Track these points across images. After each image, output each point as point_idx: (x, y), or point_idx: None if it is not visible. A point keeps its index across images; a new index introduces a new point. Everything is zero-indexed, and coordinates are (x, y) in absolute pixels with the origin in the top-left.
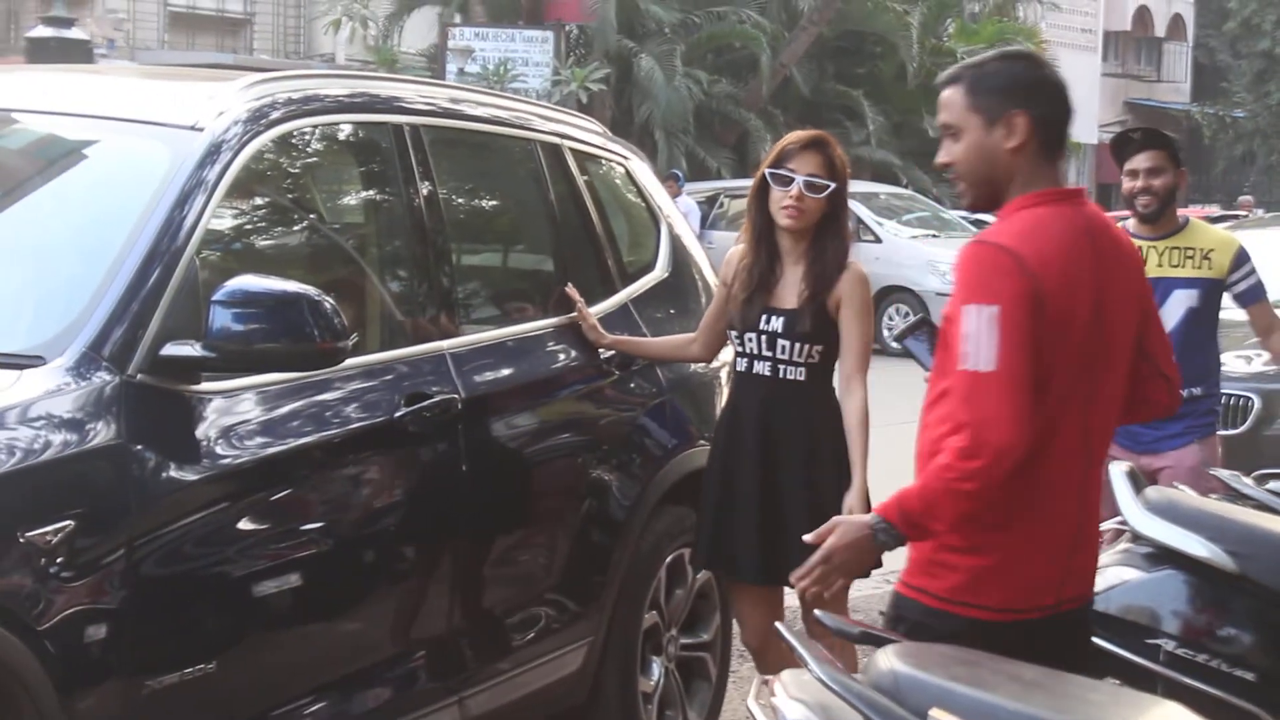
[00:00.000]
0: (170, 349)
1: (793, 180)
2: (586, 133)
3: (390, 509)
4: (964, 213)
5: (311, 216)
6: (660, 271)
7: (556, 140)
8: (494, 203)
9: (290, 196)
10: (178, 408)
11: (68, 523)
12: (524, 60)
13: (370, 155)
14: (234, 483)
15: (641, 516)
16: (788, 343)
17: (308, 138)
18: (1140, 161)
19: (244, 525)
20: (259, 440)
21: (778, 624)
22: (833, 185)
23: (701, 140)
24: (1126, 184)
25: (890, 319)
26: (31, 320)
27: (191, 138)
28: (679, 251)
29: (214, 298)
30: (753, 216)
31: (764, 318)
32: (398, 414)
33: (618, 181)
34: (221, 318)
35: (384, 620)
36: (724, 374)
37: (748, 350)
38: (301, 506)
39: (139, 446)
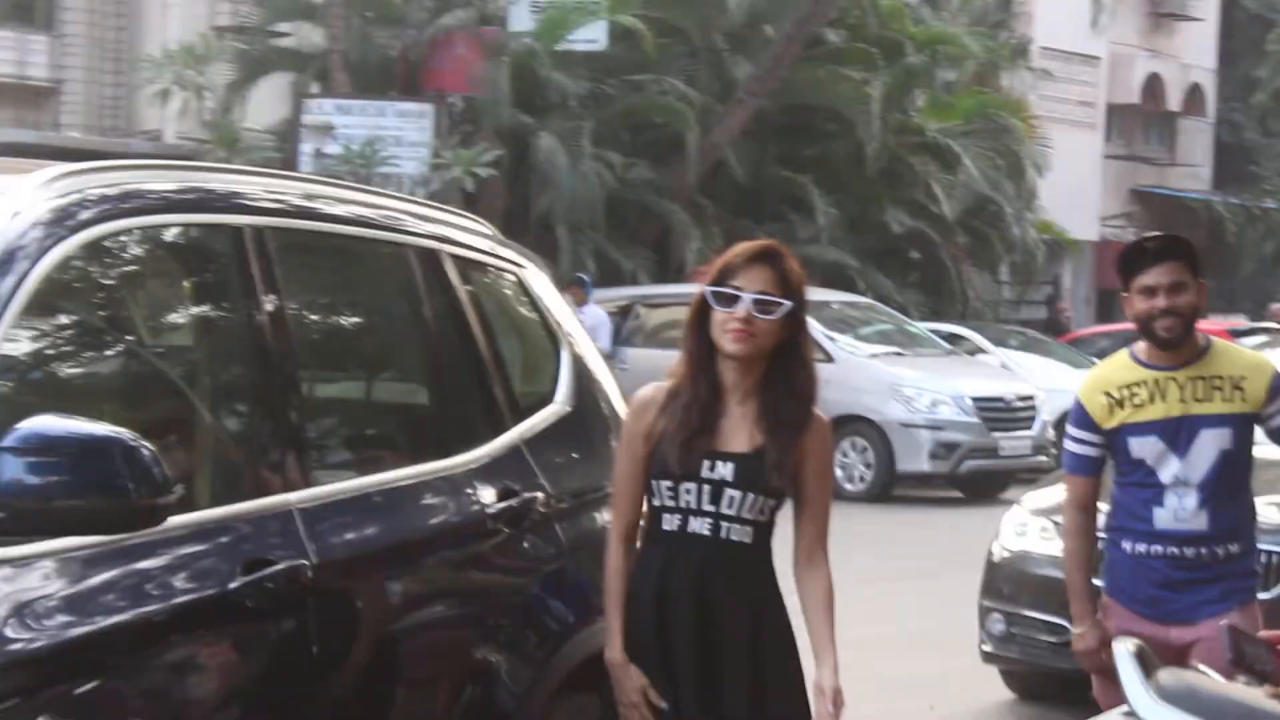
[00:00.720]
0: None
1: (738, 298)
2: (471, 235)
3: (223, 703)
4: (933, 325)
5: (128, 340)
6: (561, 404)
7: (434, 244)
8: (356, 321)
9: (102, 315)
10: None
11: None
12: (397, 139)
13: (203, 265)
14: (26, 674)
15: (537, 708)
16: (737, 494)
17: (125, 243)
18: (1158, 276)
19: None
20: (59, 620)
21: None
22: (787, 304)
23: (614, 237)
24: (1141, 304)
25: (845, 455)
26: None
27: None
28: (584, 379)
29: (3, 444)
30: (691, 344)
31: (706, 464)
32: (233, 585)
33: (509, 294)
34: (12, 468)
35: None
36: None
37: (682, 504)
38: (114, 702)
39: None
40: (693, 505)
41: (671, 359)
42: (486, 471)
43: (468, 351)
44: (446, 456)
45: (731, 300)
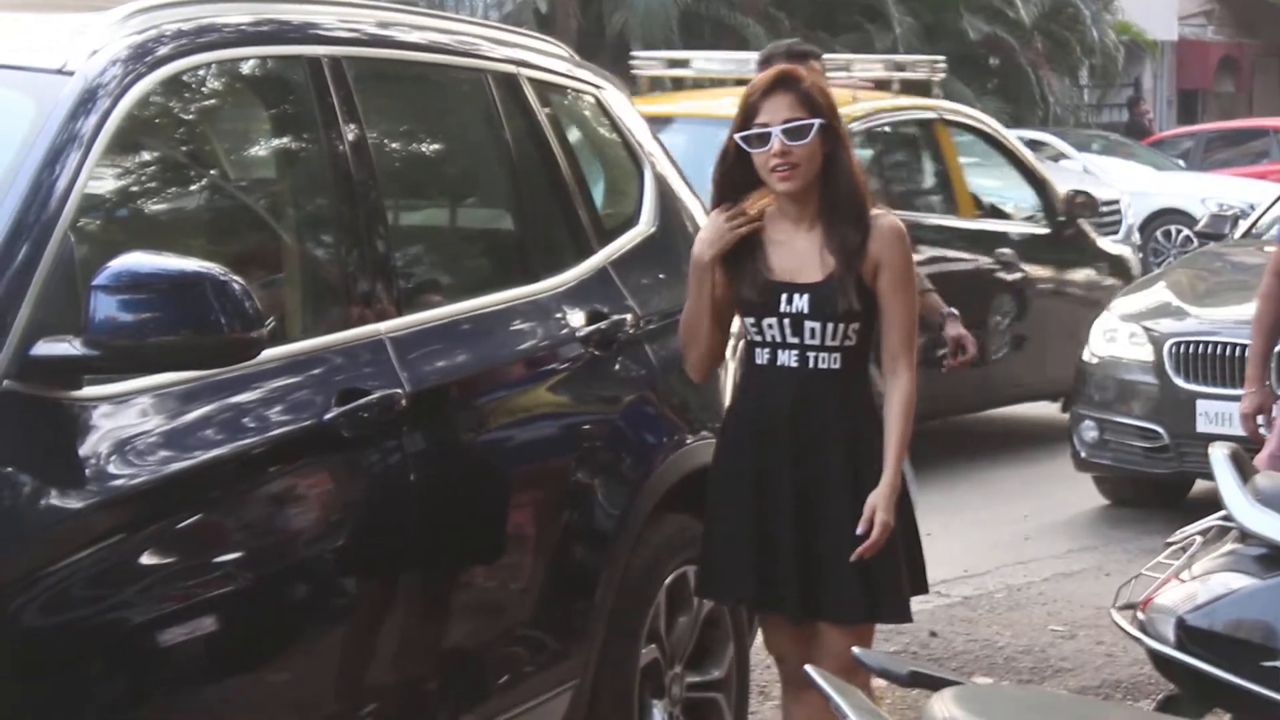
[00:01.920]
0: (43, 347)
1: (769, 135)
2: (548, 58)
3: (324, 533)
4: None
5: (212, 176)
6: (645, 226)
7: (511, 69)
8: (437, 149)
9: (185, 152)
10: (55, 420)
11: None
12: None
13: (282, 97)
14: (130, 509)
15: (633, 529)
16: (817, 325)
17: (204, 78)
18: None
19: (145, 561)
20: (158, 456)
21: (809, 668)
22: (817, 122)
23: (692, 50)
24: None
25: None
26: None
27: (59, 84)
28: (667, 200)
29: (95, 282)
30: (721, 192)
31: (784, 297)
32: (328, 416)
33: (588, 115)
34: (105, 306)
35: (322, 671)
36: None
37: (768, 339)
38: (215, 535)
39: (9, 470)
40: (777, 339)
41: None
42: (574, 295)
43: (550, 175)
44: (533, 281)
45: (763, 140)
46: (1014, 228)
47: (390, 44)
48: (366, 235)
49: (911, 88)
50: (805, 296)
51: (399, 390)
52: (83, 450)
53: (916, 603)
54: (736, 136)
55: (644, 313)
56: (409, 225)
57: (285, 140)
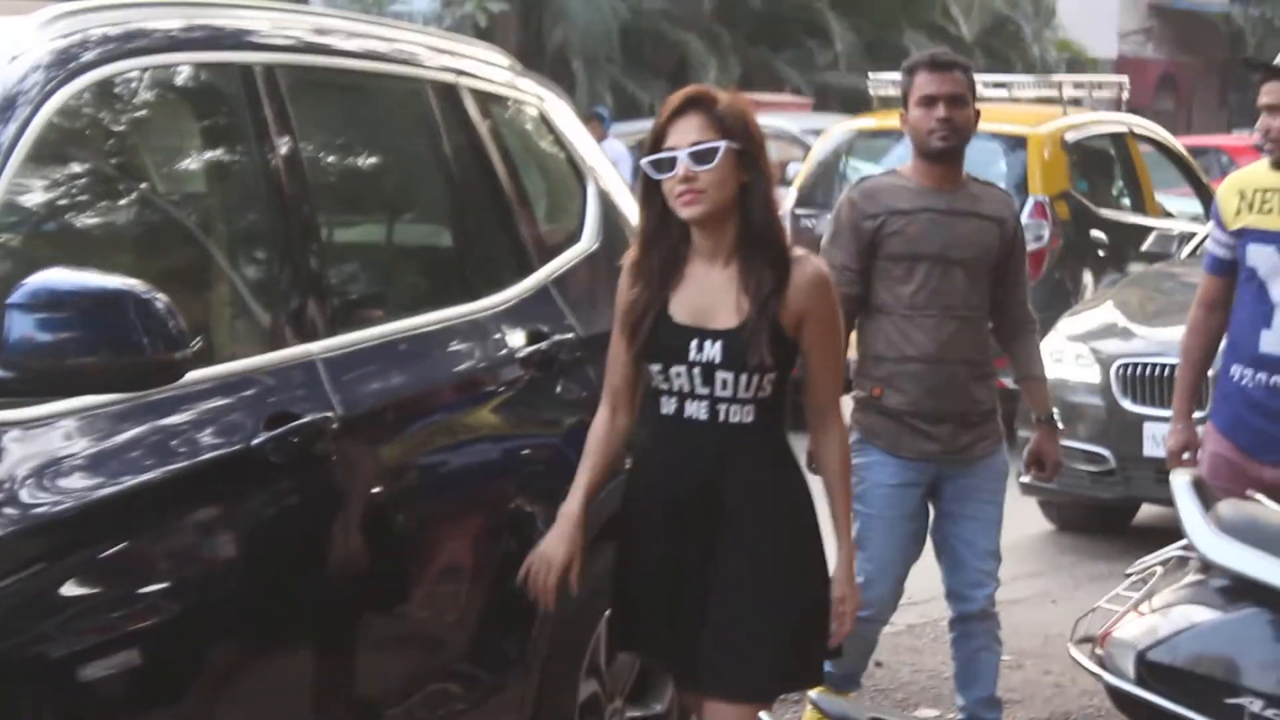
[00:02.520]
0: None
1: (674, 159)
2: (489, 67)
3: (248, 563)
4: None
5: (138, 188)
6: (588, 242)
7: (451, 78)
8: (373, 162)
9: (110, 163)
10: None
11: None
12: None
13: (213, 106)
14: (45, 539)
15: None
16: (730, 375)
17: (132, 85)
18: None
19: (63, 592)
20: (78, 482)
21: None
22: (723, 144)
23: (631, 69)
24: (1266, 120)
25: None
26: None
27: None
28: (611, 215)
29: (11, 300)
30: (647, 221)
31: (694, 344)
32: (256, 441)
33: (530, 128)
34: (21, 325)
35: (247, 706)
36: None
37: (675, 387)
38: (135, 565)
39: None
40: (685, 389)
41: None
42: (514, 314)
43: (491, 189)
44: (472, 300)
45: (669, 164)
46: (1189, 227)
47: (326, 51)
48: (299, 251)
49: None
50: (718, 344)
51: (330, 414)
52: None
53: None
54: (643, 162)
55: (586, 333)
56: (343, 241)
57: (215, 151)
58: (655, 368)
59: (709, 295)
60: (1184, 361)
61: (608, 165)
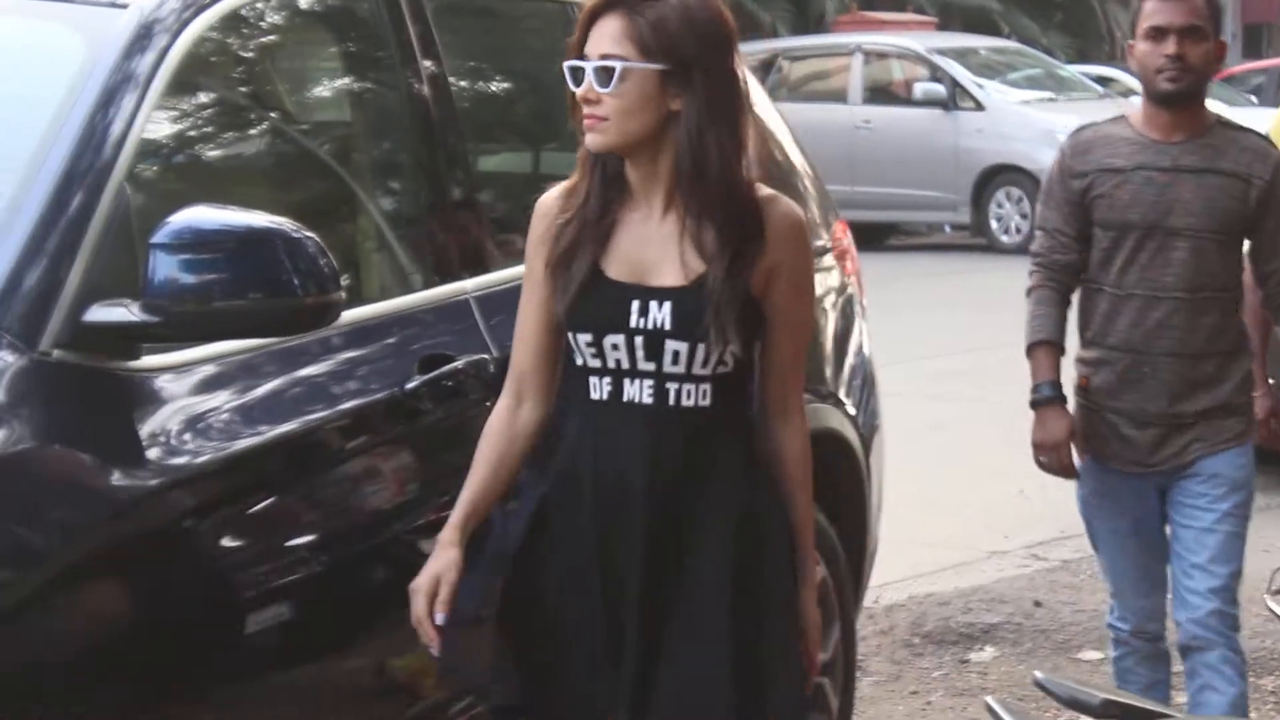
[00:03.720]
0: (97, 313)
1: (581, 72)
2: None
3: (404, 513)
4: (1083, 68)
5: (279, 120)
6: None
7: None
8: (521, 87)
9: (248, 92)
10: (111, 393)
11: None
12: None
13: (353, 31)
14: (193, 491)
15: None
16: (683, 346)
17: (267, 11)
18: None
19: (210, 548)
20: (224, 432)
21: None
22: (619, 65)
23: None
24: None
25: (1000, 206)
26: None
27: (112, 18)
28: (767, 147)
29: (154, 239)
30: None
31: (635, 306)
32: (409, 386)
33: None
34: (166, 267)
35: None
36: (835, 292)
37: (609, 363)
38: (286, 517)
39: (59, 448)
40: (624, 364)
41: (819, 113)
42: None
43: None
44: None
45: (579, 75)
46: None
47: None
48: (447, 183)
49: None
50: (665, 306)
51: (487, 355)
52: (143, 426)
53: (1016, 565)
54: (565, 66)
55: None
56: (493, 171)
57: (356, 80)
58: (585, 338)
59: (647, 247)
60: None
61: (762, 94)
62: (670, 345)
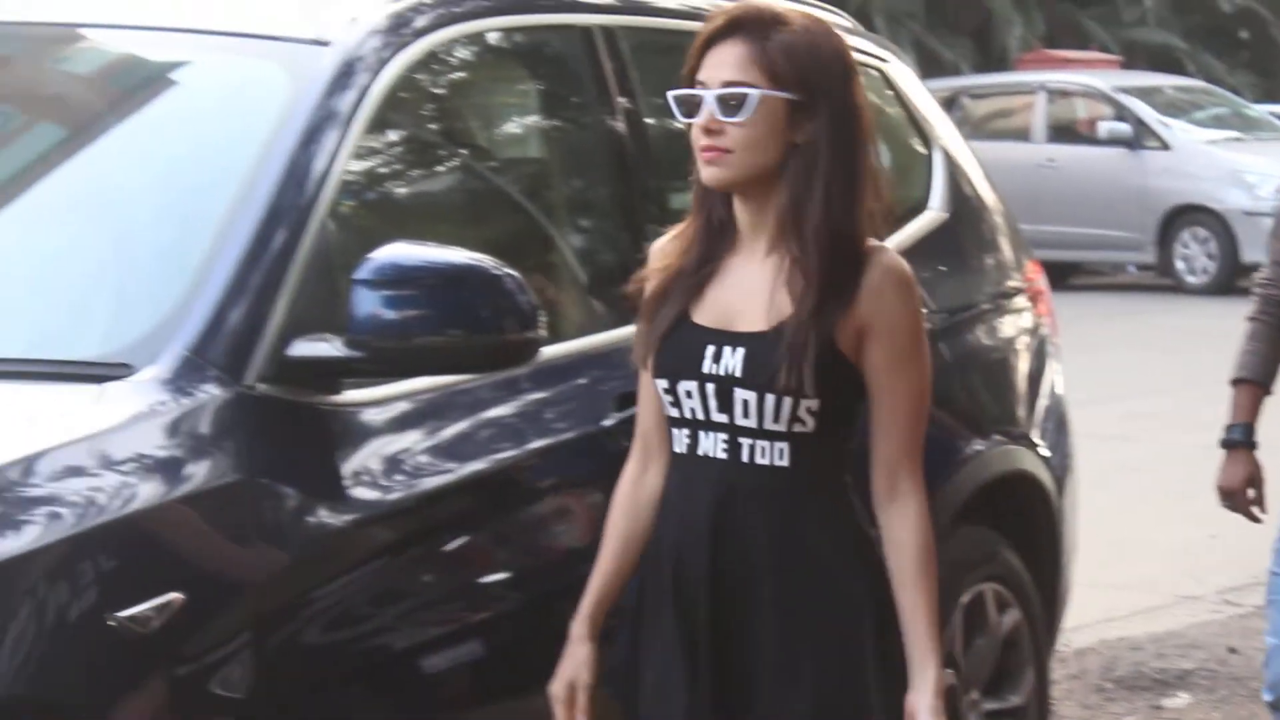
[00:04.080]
0: (300, 347)
1: (699, 100)
2: None
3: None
4: (1270, 107)
5: (476, 158)
6: (936, 212)
7: None
8: None
9: (445, 129)
10: (313, 427)
11: (173, 596)
12: None
13: (553, 71)
14: (393, 528)
15: None
16: (751, 396)
17: (465, 50)
18: None
19: (410, 585)
20: (424, 468)
21: None
22: (756, 93)
23: (933, 27)
24: None
25: (1186, 246)
26: (113, 314)
27: (316, 55)
28: (958, 183)
29: (357, 275)
30: (694, 176)
31: (710, 351)
32: (607, 422)
33: (873, 92)
34: (368, 303)
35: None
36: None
37: (685, 412)
38: (484, 555)
39: (264, 483)
40: (699, 414)
41: (1002, 151)
42: None
43: None
44: None
45: (692, 105)
46: None
47: (660, 12)
48: (641, 221)
49: None
50: (739, 352)
51: None
52: (343, 461)
53: (1209, 610)
54: (670, 96)
55: (935, 306)
56: (686, 209)
57: (555, 119)
58: (662, 384)
59: (740, 292)
60: None
61: (953, 130)
62: (739, 394)
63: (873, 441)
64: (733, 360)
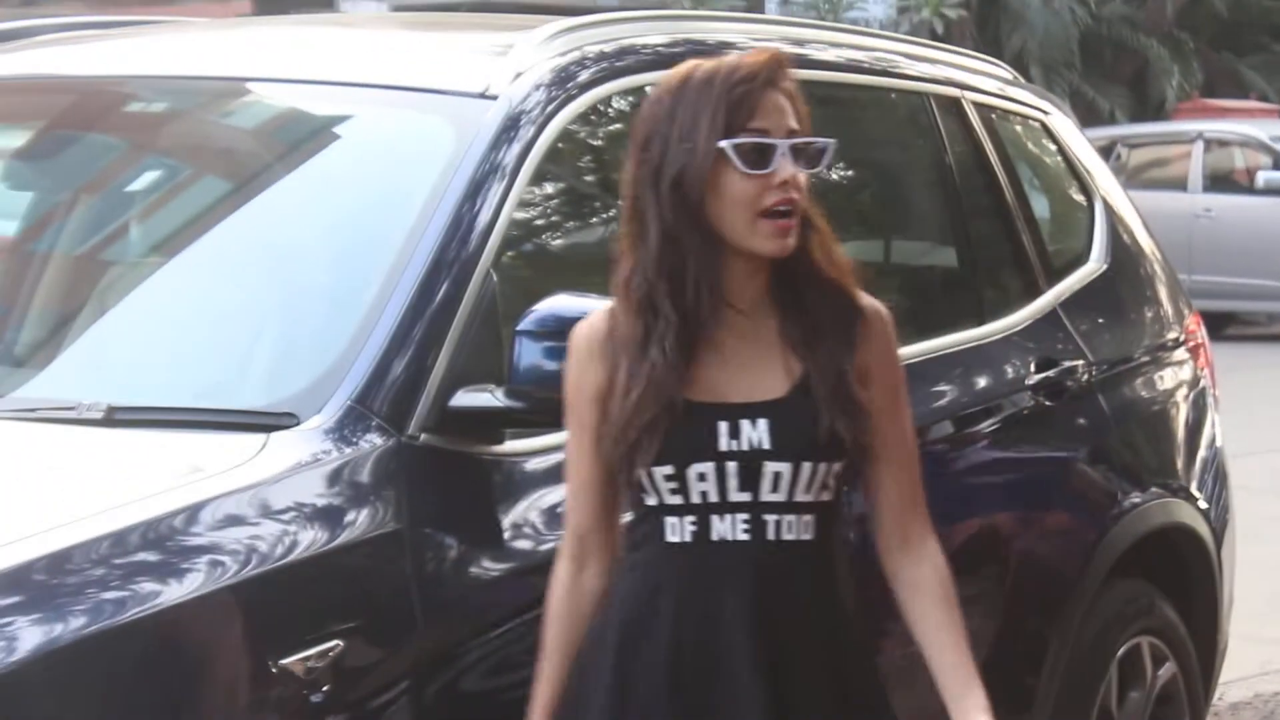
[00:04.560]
0: (463, 398)
1: (772, 150)
2: (991, 80)
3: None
4: None
5: None
6: (1097, 262)
7: (955, 91)
8: (872, 178)
9: (608, 182)
10: (474, 477)
11: (335, 643)
12: None
13: None
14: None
15: (1086, 596)
16: (784, 467)
17: (626, 102)
18: None
19: None
20: None
21: None
22: (829, 143)
23: (1089, 76)
24: None
25: None
26: (277, 364)
27: (482, 109)
28: (1119, 235)
29: (519, 327)
30: (654, 240)
31: (725, 429)
32: None
33: (1033, 143)
34: (530, 354)
35: None
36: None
37: (693, 498)
38: None
39: (425, 532)
40: (711, 497)
41: (1158, 200)
42: (1023, 338)
43: (996, 207)
44: (979, 323)
45: (761, 155)
46: None
47: (820, 64)
48: None
49: None
50: (761, 423)
51: None
52: (504, 511)
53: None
54: (727, 145)
55: (1095, 359)
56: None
57: None
58: (665, 471)
59: (738, 359)
60: None
61: (1114, 180)
62: (770, 468)
63: (876, 493)
64: (755, 433)
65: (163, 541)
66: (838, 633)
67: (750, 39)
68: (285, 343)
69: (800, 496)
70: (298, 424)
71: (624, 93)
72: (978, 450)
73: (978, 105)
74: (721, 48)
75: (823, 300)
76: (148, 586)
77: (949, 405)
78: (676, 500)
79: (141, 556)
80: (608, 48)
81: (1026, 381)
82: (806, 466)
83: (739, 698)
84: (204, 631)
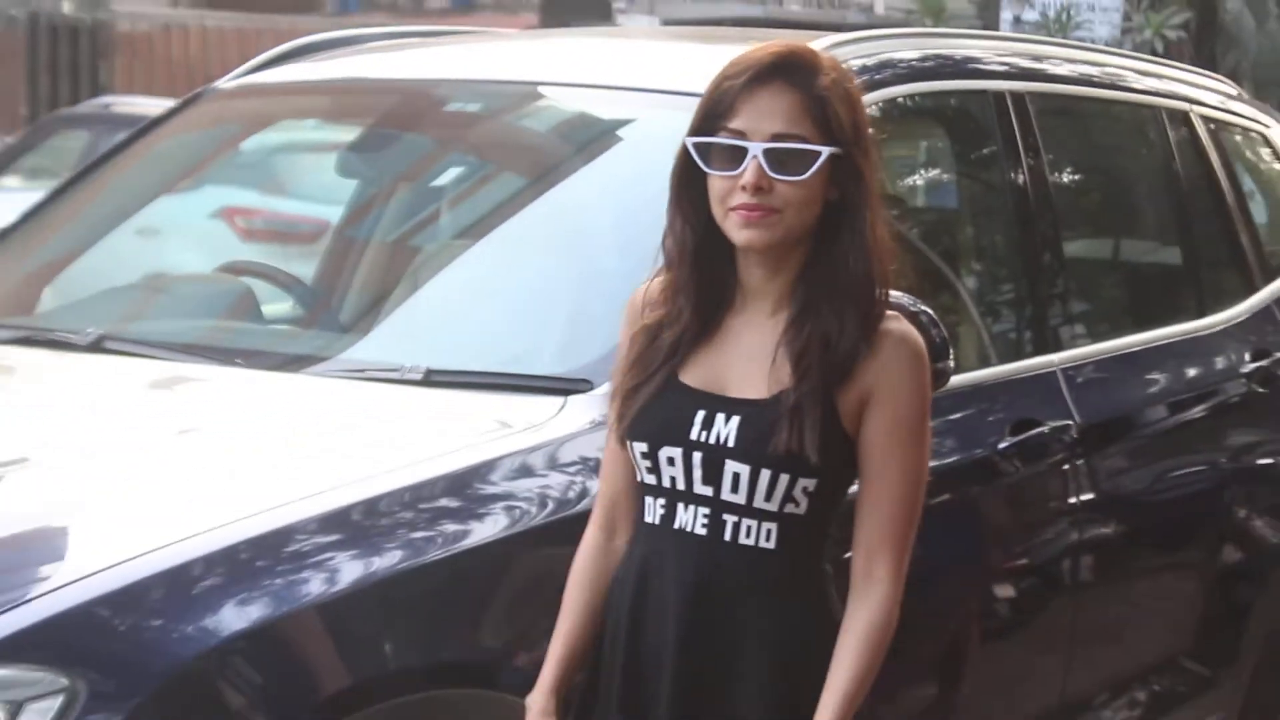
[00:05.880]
0: None
1: (743, 151)
2: (1216, 95)
3: (986, 561)
4: None
5: (891, 208)
6: None
7: (1184, 105)
8: (1106, 181)
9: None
10: None
11: None
12: (1090, 4)
13: (962, 131)
14: None
15: None
16: (744, 470)
17: (886, 112)
18: None
19: None
20: None
21: None
22: (827, 151)
23: None
24: None
25: None
26: (573, 337)
27: None
28: None
29: None
30: (678, 226)
31: (701, 416)
32: (1003, 445)
33: (1254, 153)
34: None
35: (991, 693)
36: None
37: (664, 480)
38: None
39: None
40: (679, 484)
41: None
42: (1239, 331)
43: (1219, 212)
44: (1198, 316)
45: (733, 156)
46: None
47: (1062, 79)
48: (1041, 267)
49: None
50: (734, 420)
51: (1069, 422)
52: None
53: None
54: (689, 141)
55: None
56: (1078, 258)
57: (963, 172)
58: (640, 448)
59: (738, 353)
60: None
61: None
62: (730, 466)
63: (856, 522)
64: (725, 429)
65: (470, 487)
66: (798, 653)
67: (995, 54)
68: (580, 318)
69: (760, 503)
70: (591, 389)
71: (889, 101)
72: (1194, 430)
73: (1204, 118)
74: (967, 62)
75: (838, 314)
76: (461, 526)
77: (1170, 390)
78: (651, 480)
79: (446, 502)
80: (869, 61)
81: (1241, 370)
82: (765, 473)
83: (659, 694)
84: (506, 571)
